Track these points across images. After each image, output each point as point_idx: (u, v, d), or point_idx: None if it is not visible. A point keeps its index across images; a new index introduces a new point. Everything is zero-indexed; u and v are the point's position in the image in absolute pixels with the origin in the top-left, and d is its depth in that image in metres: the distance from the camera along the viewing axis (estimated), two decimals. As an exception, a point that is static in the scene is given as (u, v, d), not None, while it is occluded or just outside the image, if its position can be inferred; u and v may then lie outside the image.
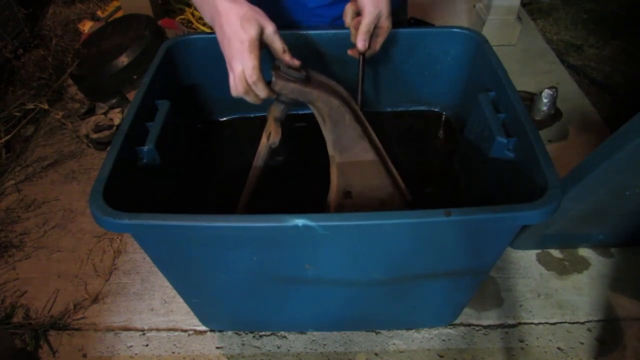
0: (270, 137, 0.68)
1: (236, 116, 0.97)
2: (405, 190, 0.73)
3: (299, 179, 0.85)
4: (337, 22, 0.91)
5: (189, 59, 0.87)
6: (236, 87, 0.62)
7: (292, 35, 0.84)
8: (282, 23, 0.89)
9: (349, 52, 0.75)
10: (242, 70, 0.60)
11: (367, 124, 0.73)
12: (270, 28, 0.62)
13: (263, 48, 0.63)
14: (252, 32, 0.60)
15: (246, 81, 0.61)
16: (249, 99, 0.64)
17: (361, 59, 0.73)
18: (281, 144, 0.70)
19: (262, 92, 0.63)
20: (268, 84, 0.63)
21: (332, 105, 0.67)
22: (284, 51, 0.64)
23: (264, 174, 0.72)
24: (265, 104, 0.67)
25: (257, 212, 0.55)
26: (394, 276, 0.74)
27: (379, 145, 0.73)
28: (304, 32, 0.84)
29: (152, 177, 0.71)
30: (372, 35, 0.71)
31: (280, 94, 0.66)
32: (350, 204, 0.69)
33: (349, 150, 0.70)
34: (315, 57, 0.87)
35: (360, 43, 0.70)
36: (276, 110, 0.69)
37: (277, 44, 0.63)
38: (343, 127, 0.69)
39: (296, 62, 0.66)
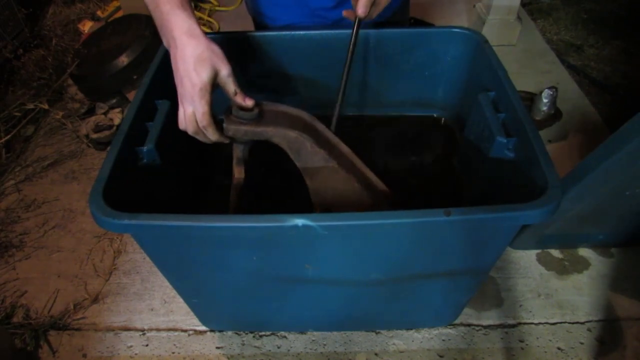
0: (234, 177, 0.70)
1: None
2: (388, 193, 0.72)
3: (286, 186, 0.84)
4: (339, 24, 0.91)
5: (189, 59, 0.87)
6: (186, 126, 0.62)
7: (292, 37, 0.84)
8: (284, 24, 0.90)
9: (344, 13, 0.73)
10: (192, 112, 0.60)
11: (334, 140, 0.72)
12: (224, 71, 0.61)
13: (217, 88, 0.62)
14: (205, 76, 0.58)
15: (197, 123, 0.61)
16: (200, 138, 0.64)
17: (356, 24, 0.72)
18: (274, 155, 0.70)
19: (212, 136, 0.63)
20: (221, 124, 0.64)
21: (289, 138, 0.66)
22: (236, 93, 0.64)
23: (241, 207, 0.72)
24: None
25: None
26: (394, 276, 0.74)
27: (352, 158, 0.73)
28: (304, 33, 0.84)
29: (152, 177, 0.71)
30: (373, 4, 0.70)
31: (233, 137, 0.66)
32: None
33: (318, 174, 0.70)
34: (314, 58, 0.87)
35: (361, 9, 0.68)
36: (237, 151, 0.70)
37: (230, 86, 0.63)
38: (306, 154, 0.68)
39: (249, 103, 0.65)
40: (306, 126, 0.70)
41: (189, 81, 0.59)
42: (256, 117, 0.65)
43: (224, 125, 0.64)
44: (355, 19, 0.71)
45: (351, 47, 0.73)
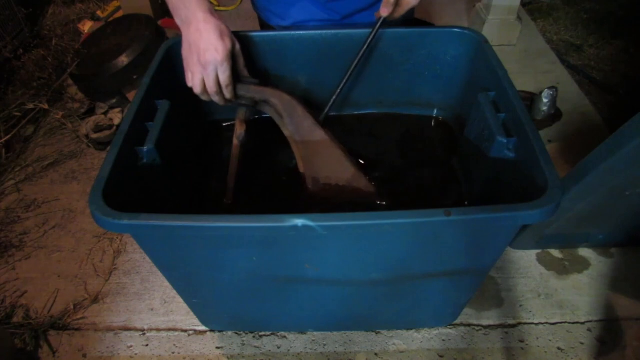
0: (237, 131, 0.81)
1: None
2: (363, 169, 0.82)
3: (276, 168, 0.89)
4: (345, 20, 0.91)
5: (189, 59, 0.87)
6: (204, 88, 0.71)
7: (292, 37, 0.85)
8: (292, 21, 0.90)
9: (375, 13, 0.78)
10: (216, 75, 0.70)
11: (319, 124, 0.81)
12: (238, 45, 0.73)
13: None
14: (229, 45, 0.70)
15: (219, 84, 0.71)
16: (216, 99, 0.74)
17: (379, 23, 0.77)
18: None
19: (229, 94, 0.74)
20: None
21: (284, 99, 0.78)
22: (244, 65, 0.76)
23: (241, 163, 0.83)
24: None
25: (248, 204, 0.55)
26: (394, 276, 0.74)
27: (331, 134, 0.82)
28: (304, 33, 0.84)
29: (152, 177, 0.71)
30: (396, 5, 0.74)
31: (240, 96, 0.77)
32: (321, 188, 0.79)
33: (309, 137, 0.80)
34: (315, 58, 0.87)
35: (384, 9, 0.74)
36: (241, 114, 0.82)
37: (241, 59, 0.75)
38: (298, 117, 0.79)
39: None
40: (295, 96, 0.81)
41: (214, 49, 0.68)
42: (258, 82, 0.79)
43: (237, 85, 0.76)
44: (380, 18, 0.75)
45: (367, 44, 0.78)
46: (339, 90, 0.81)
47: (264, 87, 0.79)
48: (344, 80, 0.80)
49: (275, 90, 0.79)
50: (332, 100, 0.82)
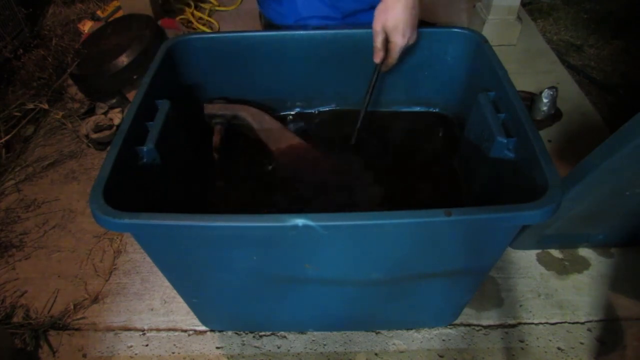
0: (214, 142, 0.92)
1: (236, 116, 0.98)
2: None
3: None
4: (348, 19, 0.91)
5: (189, 59, 0.87)
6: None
7: (292, 37, 0.85)
8: (296, 17, 0.91)
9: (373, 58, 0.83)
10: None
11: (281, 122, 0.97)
12: None
13: None
14: None
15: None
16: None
17: (376, 70, 0.84)
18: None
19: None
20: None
21: (252, 111, 0.92)
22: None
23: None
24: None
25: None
26: (394, 276, 0.74)
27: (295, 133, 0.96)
28: (304, 33, 0.84)
29: (152, 177, 0.72)
30: (387, 50, 0.79)
31: (214, 115, 0.91)
32: (288, 158, 0.93)
33: (278, 136, 0.93)
34: (314, 58, 0.87)
35: (375, 56, 0.80)
36: (217, 129, 0.92)
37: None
38: (266, 124, 0.93)
39: None
40: (260, 109, 0.94)
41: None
42: (225, 102, 0.93)
43: (208, 105, 0.91)
44: (376, 65, 0.82)
45: (370, 90, 0.86)
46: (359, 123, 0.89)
47: (232, 105, 0.91)
48: (361, 115, 0.89)
49: (242, 105, 0.91)
50: (357, 125, 0.90)
